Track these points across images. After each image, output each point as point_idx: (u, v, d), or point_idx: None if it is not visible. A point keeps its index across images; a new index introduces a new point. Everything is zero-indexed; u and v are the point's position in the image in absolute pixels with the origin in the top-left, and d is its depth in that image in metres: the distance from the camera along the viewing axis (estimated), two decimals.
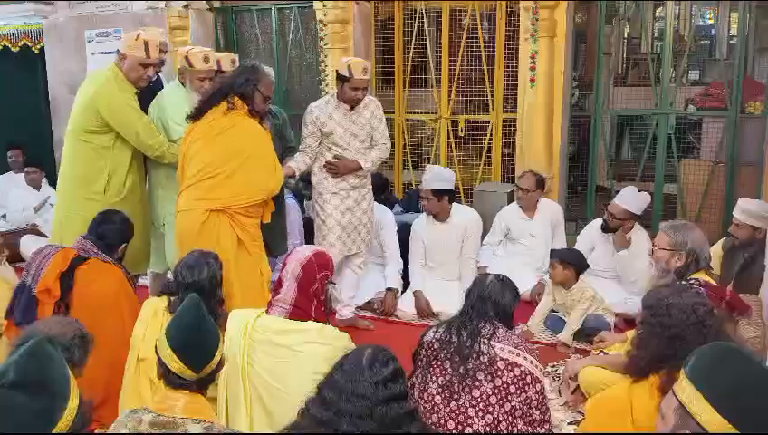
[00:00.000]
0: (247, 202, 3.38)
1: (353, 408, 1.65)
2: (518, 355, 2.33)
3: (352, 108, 3.94)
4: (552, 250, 4.34)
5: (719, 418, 1.40)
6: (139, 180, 3.86)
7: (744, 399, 1.40)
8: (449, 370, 2.33)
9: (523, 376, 2.31)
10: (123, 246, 3.31)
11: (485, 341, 2.34)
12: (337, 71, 3.91)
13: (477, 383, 2.30)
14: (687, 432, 1.46)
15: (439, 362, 2.37)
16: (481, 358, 2.31)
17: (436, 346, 2.40)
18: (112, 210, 3.43)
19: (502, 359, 2.31)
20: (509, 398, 2.29)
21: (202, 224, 3.30)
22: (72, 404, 1.49)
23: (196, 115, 3.44)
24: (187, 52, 3.76)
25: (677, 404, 1.49)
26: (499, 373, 2.30)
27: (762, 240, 3.59)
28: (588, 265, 4.11)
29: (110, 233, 3.25)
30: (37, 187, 6.39)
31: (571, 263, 3.98)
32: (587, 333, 3.90)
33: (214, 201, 3.32)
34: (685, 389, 1.47)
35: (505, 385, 2.29)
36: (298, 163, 3.94)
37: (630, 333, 3.38)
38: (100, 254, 3.16)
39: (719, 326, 2.22)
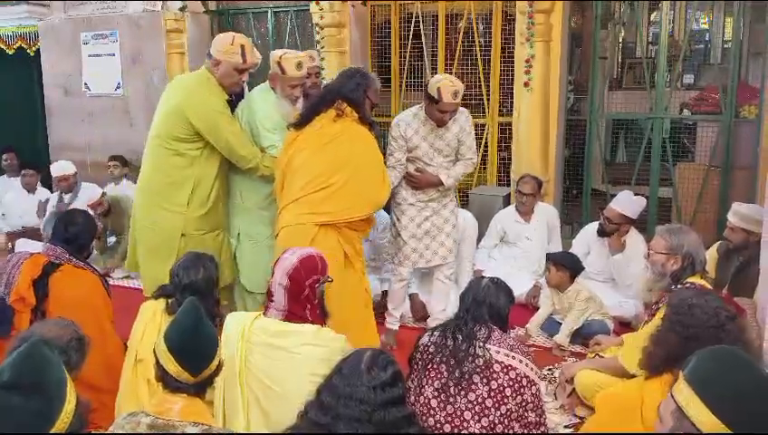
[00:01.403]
0: (357, 216, 3.23)
1: (351, 412, 1.65)
2: (513, 358, 2.34)
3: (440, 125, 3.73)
4: (547, 253, 4.35)
5: (716, 420, 1.41)
6: (222, 193, 3.64)
7: (742, 403, 1.41)
8: (445, 373, 2.33)
9: (519, 379, 2.31)
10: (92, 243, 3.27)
11: (481, 344, 2.34)
12: (426, 88, 3.68)
13: (473, 386, 2.30)
14: (683, 434, 1.47)
15: (435, 366, 2.36)
16: (476, 361, 2.31)
17: (431, 350, 2.40)
18: (72, 211, 3.36)
19: (497, 362, 2.32)
20: (505, 401, 2.29)
21: (312, 240, 3.10)
22: (69, 406, 1.50)
23: (301, 123, 3.28)
24: (279, 57, 3.49)
25: (675, 407, 1.50)
26: (495, 376, 2.30)
27: (756, 244, 3.60)
28: (583, 268, 4.13)
29: (81, 234, 3.19)
30: (32, 190, 6.38)
31: (564, 265, 4.00)
32: (584, 336, 3.92)
33: (322, 215, 3.15)
34: (682, 391, 1.48)
35: (501, 388, 2.30)
36: (391, 179, 3.69)
37: (626, 336, 3.39)
38: (72, 259, 3.11)
39: (738, 334, 2.22)
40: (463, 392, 2.30)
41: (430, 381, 2.36)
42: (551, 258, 4.11)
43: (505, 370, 2.31)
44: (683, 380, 1.50)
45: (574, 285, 4.01)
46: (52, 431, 1.45)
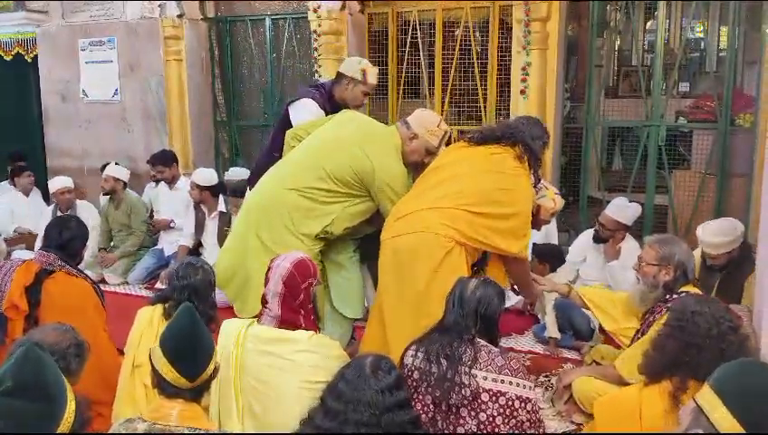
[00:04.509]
0: (491, 249, 3.01)
1: (360, 416, 1.66)
2: (502, 382, 2.24)
3: None
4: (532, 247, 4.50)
5: (737, 425, 1.43)
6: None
7: (765, 409, 1.44)
8: (431, 406, 2.25)
9: (510, 404, 2.22)
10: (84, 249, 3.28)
11: (466, 370, 2.23)
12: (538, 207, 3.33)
13: (461, 421, 2.22)
14: (700, 432, 1.49)
15: (420, 397, 2.27)
16: (463, 391, 2.21)
17: (415, 376, 2.30)
18: (64, 216, 3.32)
19: (485, 390, 2.22)
20: (496, 430, 2.21)
21: (448, 253, 2.86)
22: (71, 405, 1.52)
23: (476, 140, 3.13)
24: (437, 124, 3.30)
25: (694, 406, 1.52)
26: (483, 407, 2.21)
27: (737, 257, 3.59)
28: (563, 260, 4.34)
29: (75, 239, 3.19)
30: (27, 192, 6.37)
31: (544, 258, 4.37)
32: (575, 334, 4.07)
33: (456, 232, 2.90)
34: (709, 401, 1.50)
35: (491, 418, 2.22)
36: None
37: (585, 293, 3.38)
38: (64, 266, 3.10)
39: (740, 345, 2.22)
40: (451, 427, 2.23)
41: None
42: (533, 252, 4.32)
43: (494, 398, 2.22)
44: (708, 388, 1.51)
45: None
46: (59, 431, 1.46)
